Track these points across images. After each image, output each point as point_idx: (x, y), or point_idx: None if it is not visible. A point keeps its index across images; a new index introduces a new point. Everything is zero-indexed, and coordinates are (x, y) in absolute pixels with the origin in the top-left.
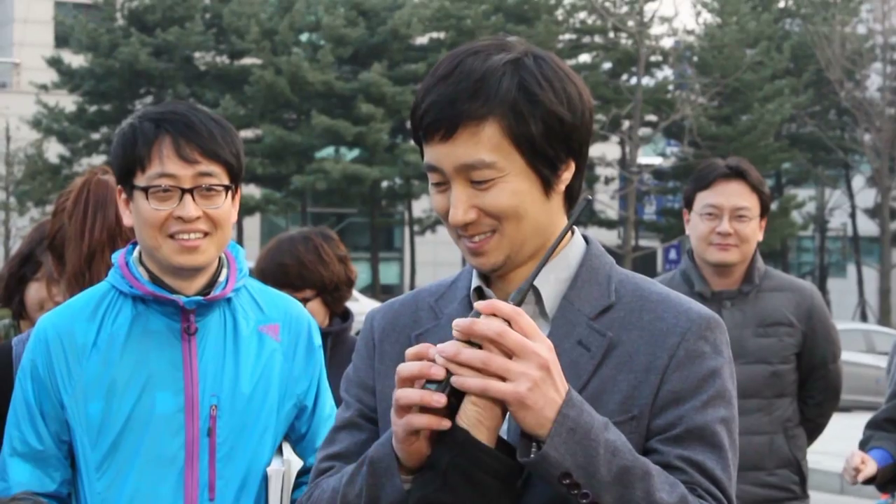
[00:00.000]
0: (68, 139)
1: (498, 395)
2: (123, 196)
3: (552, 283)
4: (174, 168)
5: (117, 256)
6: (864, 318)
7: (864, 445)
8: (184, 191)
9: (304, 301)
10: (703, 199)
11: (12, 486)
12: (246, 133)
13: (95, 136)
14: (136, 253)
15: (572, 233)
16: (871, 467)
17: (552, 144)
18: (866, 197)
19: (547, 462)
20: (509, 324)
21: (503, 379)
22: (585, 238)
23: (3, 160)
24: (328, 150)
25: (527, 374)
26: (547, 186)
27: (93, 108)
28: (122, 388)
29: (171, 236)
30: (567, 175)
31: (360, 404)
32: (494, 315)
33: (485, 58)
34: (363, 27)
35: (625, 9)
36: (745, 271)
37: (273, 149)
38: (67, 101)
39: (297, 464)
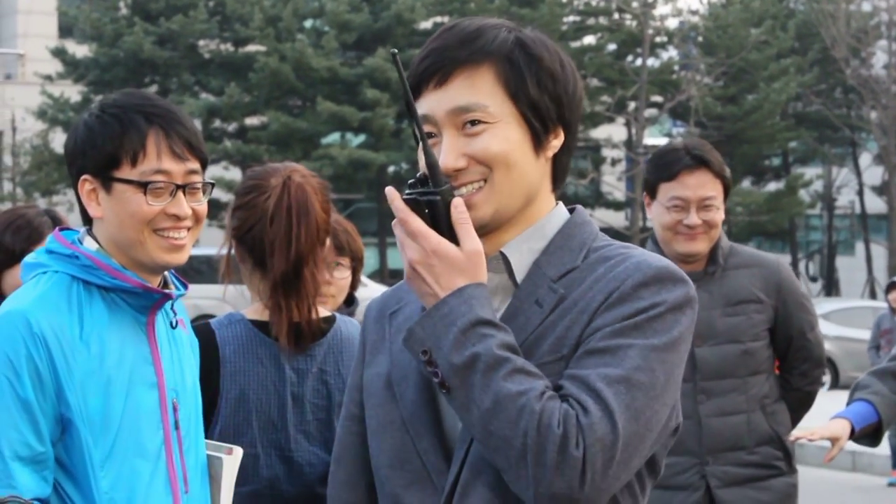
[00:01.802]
0: None
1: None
2: (89, 186)
3: (524, 252)
4: (168, 164)
5: (62, 247)
6: (873, 295)
7: (854, 392)
8: (177, 187)
9: (338, 267)
10: (668, 190)
11: (23, 494)
12: (251, 120)
13: None
14: (93, 243)
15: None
16: (824, 432)
17: (544, 99)
18: (873, 174)
19: (413, 337)
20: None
21: None
22: (572, 209)
23: (9, 151)
24: (334, 136)
25: (404, 265)
26: (537, 143)
27: (98, 98)
28: (114, 383)
29: (157, 232)
30: (556, 142)
31: (350, 406)
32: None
33: (479, 21)
34: (367, 12)
35: None
36: (710, 252)
37: (279, 135)
38: (72, 91)
39: (239, 450)
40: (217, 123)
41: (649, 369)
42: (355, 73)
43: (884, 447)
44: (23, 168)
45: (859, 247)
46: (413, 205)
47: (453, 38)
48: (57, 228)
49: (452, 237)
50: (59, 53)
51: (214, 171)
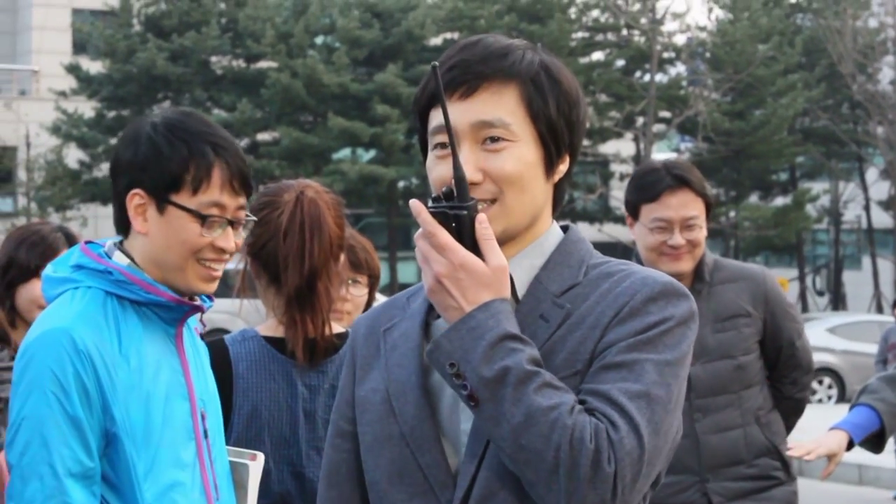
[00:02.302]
0: (87, 144)
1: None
2: (140, 201)
3: (526, 268)
4: (225, 199)
5: (93, 262)
6: (879, 309)
7: (860, 395)
8: (228, 221)
9: (356, 284)
10: (651, 211)
11: None
12: (263, 136)
13: (114, 141)
14: (123, 258)
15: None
16: (821, 449)
17: (561, 123)
18: (880, 189)
19: (439, 350)
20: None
21: None
22: (566, 228)
23: (24, 166)
24: (345, 152)
25: (426, 278)
26: (549, 167)
27: (111, 114)
28: (153, 396)
29: (200, 261)
30: (563, 167)
31: (340, 424)
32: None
33: (502, 38)
34: (378, 29)
35: (637, 6)
36: (695, 270)
37: (290, 151)
38: (86, 107)
39: (261, 456)
40: None
41: (665, 384)
42: (366, 88)
43: (890, 460)
44: (37, 183)
45: (866, 261)
46: (439, 218)
47: (481, 53)
48: (84, 242)
49: (475, 252)
50: (72, 70)
51: None
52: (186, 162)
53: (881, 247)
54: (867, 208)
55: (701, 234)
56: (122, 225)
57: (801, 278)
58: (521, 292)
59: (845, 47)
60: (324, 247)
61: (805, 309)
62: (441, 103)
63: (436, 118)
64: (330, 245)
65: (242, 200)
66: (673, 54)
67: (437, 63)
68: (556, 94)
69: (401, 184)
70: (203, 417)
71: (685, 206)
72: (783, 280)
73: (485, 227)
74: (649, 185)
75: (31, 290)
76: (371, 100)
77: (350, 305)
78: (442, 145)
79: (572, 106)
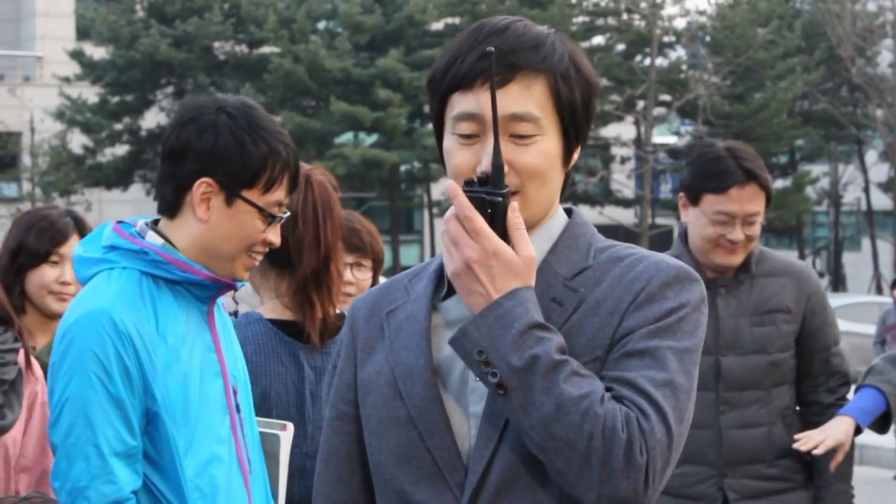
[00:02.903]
0: (91, 130)
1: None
2: (208, 189)
3: (535, 253)
4: (286, 198)
5: (128, 243)
6: (879, 290)
7: (867, 375)
8: (275, 219)
9: (360, 268)
10: (715, 203)
11: (123, 487)
12: None
13: (118, 126)
14: (156, 237)
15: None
16: (829, 441)
17: (584, 117)
18: (879, 171)
19: (467, 337)
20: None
21: None
22: (569, 212)
23: (28, 151)
24: (347, 136)
25: (454, 261)
26: (567, 158)
27: (115, 99)
28: (190, 373)
29: (248, 253)
30: (575, 156)
31: (340, 406)
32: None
33: (529, 25)
34: (379, 14)
35: None
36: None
37: (293, 135)
38: (90, 93)
39: (291, 426)
40: None
41: (686, 372)
42: (368, 73)
43: (890, 440)
44: (41, 168)
45: (865, 243)
46: (474, 203)
47: (512, 43)
48: (115, 222)
49: (504, 240)
50: (76, 56)
51: None
52: (266, 160)
53: (880, 228)
54: (866, 190)
55: (759, 227)
56: (172, 206)
57: (802, 260)
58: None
59: (844, 31)
60: (335, 228)
61: None
62: (492, 92)
63: (461, 103)
64: (339, 227)
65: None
66: (673, 38)
67: (492, 48)
68: (581, 85)
69: (403, 167)
70: (235, 392)
71: (751, 201)
72: None
73: (517, 215)
74: (718, 175)
75: (41, 276)
76: (373, 84)
77: (354, 289)
78: (465, 135)
79: (592, 96)
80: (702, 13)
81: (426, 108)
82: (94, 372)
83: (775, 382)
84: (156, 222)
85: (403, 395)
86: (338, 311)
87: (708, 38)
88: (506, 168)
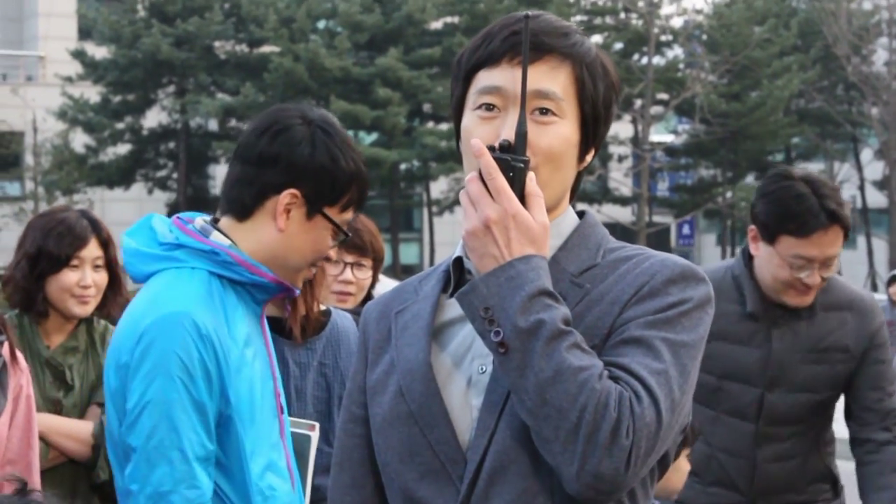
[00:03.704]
0: (94, 129)
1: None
2: (292, 201)
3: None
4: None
5: (197, 243)
6: (874, 287)
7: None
8: (346, 237)
9: (360, 267)
10: (794, 247)
11: (205, 492)
12: None
13: (120, 125)
14: (222, 237)
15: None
16: None
17: (603, 113)
18: (875, 169)
19: (475, 292)
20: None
21: None
22: (581, 214)
23: (31, 151)
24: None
25: (472, 220)
26: (582, 152)
27: (117, 99)
28: (253, 376)
29: (309, 266)
30: (588, 158)
31: (352, 408)
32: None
33: (559, 18)
34: (379, 13)
35: None
36: None
37: None
38: (92, 92)
39: (317, 425)
40: (233, 122)
41: (682, 365)
42: (367, 72)
43: None
44: (44, 167)
45: (861, 240)
46: (499, 165)
47: (544, 26)
48: (176, 217)
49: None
50: (78, 55)
51: None
52: (352, 180)
53: (876, 226)
54: (862, 188)
55: (835, 267)
56: (247, 210)
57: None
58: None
59: (840, 29)
60: None
61: None
62: (524, 57)
63: (486, 79)
64: None
65: None
66: (670, 37)
67: (528, 13)
68: (606, 83)
69: (402, 166)
70: (278, 395)
71: (832, 244)
72: None
73: (535, 184)
74: (800, 218)
75: (63, 280)
76: (373, 83)
77: (354, 287)
78: (488, 107)
79: (612, 100)
80: (699, 12)
81: (426, 107)
82: (178, 375)
83: (818, 417)
84: (213, 220)
85: (404, 391)
86: (323, 307)
87: (705, 37)
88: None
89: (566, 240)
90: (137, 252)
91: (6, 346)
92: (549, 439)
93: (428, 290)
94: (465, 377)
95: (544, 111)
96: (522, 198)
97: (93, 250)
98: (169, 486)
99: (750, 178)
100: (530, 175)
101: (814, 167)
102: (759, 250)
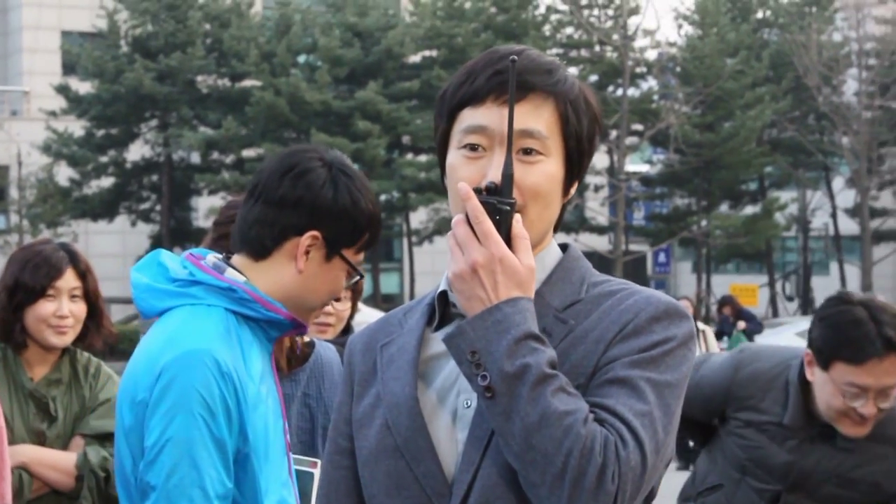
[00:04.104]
0: (77, 163)
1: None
2: (312, 243)
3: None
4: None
5: (214, 280)
6: None
7: None
8: (360, 278)
9: (339, 299)
10: (848, 374)
11: None
12: (248, 152)
13: (104, 158)
14: (237, 274)
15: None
16: None
17: (586, 148)
18: (846, 197)
19: (462, 336)
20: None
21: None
22: (564, 247)
23: (16, 184)
24: None
25: (459, 263)
26: (567, 186)
27: (100, 133)
28: (269, 413)
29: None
30: (572, 190)
31: (339, 441)
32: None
33: (542, 53)
34: (358, 48)
35: (609, 23)
36: None
37: None
38: (76, 127)
39: (318, 462)
40: (215, 155)
41: (666, 405)
42: (347, 105)
43: None
44: (29, 201)
45: (833, 267)
46: (485, 208)
47: (527, 64)
48: (189, 253)
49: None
50: (62, 90)
51: (213, 200)
52: (371, 222)
53: (848, 253)
54: (834, 216)
55: (893, 396)
56: (266, 250)
57: (771, 284)
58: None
59: (810, 60)
60: None
61: (775, 314)
62: (510, 100)
63: (470, 118)
64: None
65: None
66: (644, 69)
67: (515, 57)
68: (589, 118)
69: (382, 197)
70: (286, 433)
71: (889, 373)
72: (754, 286)
73: (521, 226)
74: (854, 343)
75: (39, 311)
76: (352, 116)
77: (333, 318)
78: (472, 147)
79: (595, 133)
80: (672, 45)
81: (405, 139)
82: (199, 412)
83: None
84: (226, 258)
85: (391, 425)
86: (307, 339)
87: (678, 69)
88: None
89: (549, 274)
90: (150, 288)
91: None
92: (535, 483)
93: (413, 324)
94: (450, 411)
95: (529, 151)
96: (509, 240)
97: (69, 281)
98: None
99: (724, 207)
100: (517, 217)
101: (787, 195)
102: (815, 376)
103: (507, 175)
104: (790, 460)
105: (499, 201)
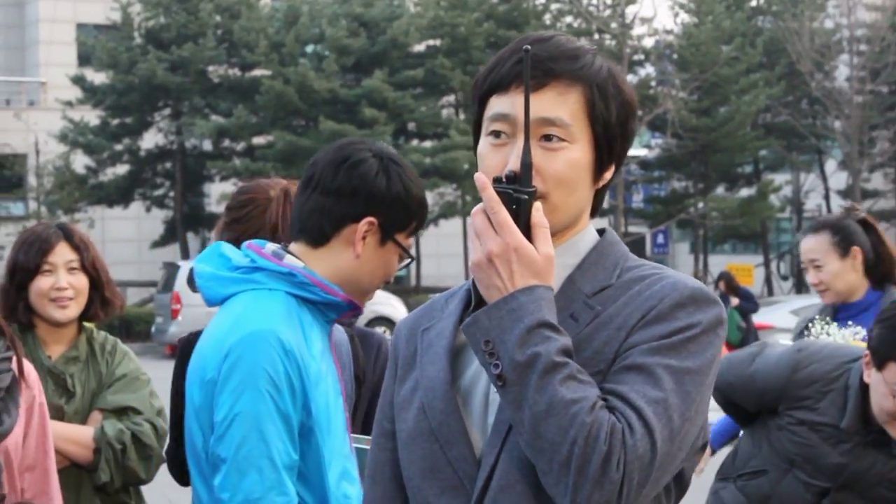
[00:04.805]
0: (93, 151)
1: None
2: (368, 229)
3: (559, 267)
4: None
5: (275, 266)
6: None
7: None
8: (411, 260)
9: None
10: None
11: (292, 499)
12: (258, 139)
13: (118, 147)
14: (296, 260)
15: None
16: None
17: (618, 133)
18: (838, 179)
19: (477, 324)
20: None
21: None
22: (602, 231)
23: (34, 172)
24: None
25: (476, 253)
26: (597, 172)
27: (115, 122)
28: (328, 390)
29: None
30: (608, 175)
31: (384, 423)
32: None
33: (572, 39)
34: (364, 37)
35: (608, 12)
36: None
37: (284, 154)
38: (91, 116)
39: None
40: (226, 143)
41: (685, 392)
42: (354, 93)
43: None
44: (46, 188)
45: None
46: (501, 198)
47: (552, 51)
48: (250, 243)
49: (527, 238)
50: (78, 81)
51: (225, 186)
52: (420, 208)
53: None
54: (826, 198)
55: None
56: (325, 237)
57: (766, 264)
58: (553, 290)
59: (803, 47)
60: None
61: (770, 293)
62: (525, 89)
63: (496, 105)
64: None
65: None
66: (642, 56)
67: (528, 46)
68: (619, 102)
69: None
70: (345, 409)
71: None
72: (749, 266)
73: (541, 214)
74: None
75: (38, 286)
76: (359, 104)
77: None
78: (496, 133)
79: (630, 116)
80: (669, 32)
81: (410, 126)
82: (266, 389)
83: None
84: (283, 247)
85: (426, 408)
86: None
87: (675, 56)
88: (533, 171)
89: (583, 258)
90: (214, 276)
91: (14, 360)
92: (544, 471)
93: (452, 309)
94: (482, 395)
95: (550, 138)
96: (529, 228)
97: (64, 254)
98: (259, 493)
99: (720, 190)
100: (536, 205)
101: (781, 178)
102: (871, 378)
103: (526, 164)
104: (843, 462)
105: (516, 190)
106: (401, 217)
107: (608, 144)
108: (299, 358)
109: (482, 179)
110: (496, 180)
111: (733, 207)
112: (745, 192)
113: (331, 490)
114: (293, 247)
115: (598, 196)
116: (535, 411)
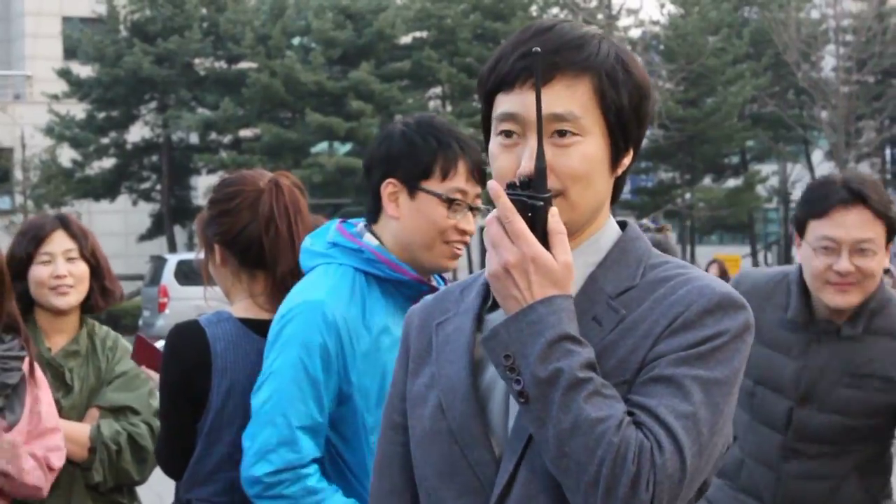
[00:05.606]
0: (79, 144)
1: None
2: (393, 189)
3: (580, 266)
4: (468, 186)
5: (347, 241)
6: None
7: None
8: (469, 207)
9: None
10: (818, 229)
11: (304, 457)
12: (245, 132)
13: (105, 140)
14: (372, 239)
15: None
16: None
17: (632, 118)
18: (825, 170)
19: (496, 339)
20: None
21: None
22: (623, 224)
23: (20, 166)
24: (322, 146)
25: (492, 263)
26: (614, 161)
27: (101, 115)
28: (389, 364)
29: (445, 242)
30: (626, 161)
31: (393, 416)
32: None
33: (575, 25)
34: (351, 29)
35: (594, 3)
36: (856, 308)
37: (271, 146)
38: (77, 109)
39: None
40: (213, 136)
41: (713, 404)
42: (341, 85)
43: None
44: (32, 182)
45: None
46: (515, 205)
47: (555, 43)
48: (339, 222)
49: (544, 244)
50: (64, 74)
51: (212, 179)
52: (436, 153)
53: None
54: None
55: (874, 261)
56: (374, 212)
57: (754, 254)
58: (574, 290)
59: (790, 38)
60: (307, 229)
61: None
62: (536, 93)
63: (503, 104)
64: (309, 227)
65: (479, 190)
66: (629, 48)
67: (538, 49)
68: (630, 87)
69: None
70: None
71: (859, 226)
72: (736, 257)
73: (557, 220)
74: (820, 198)
75: (36, 275)
76: (346, 96)
77: None
78: (507, 133)
79: (643, 98)
80: (655, 23)
81: (397, 118)
82: (300, 355)
83: (855, 440)
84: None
85: (445, 408)
86: None
87: (661, 47)
88: (547, 171)
89: (605, 256)
90: (306, 249)
91: (26, 361)
92: (570, 489)
93: (469, 303)
94: (502, 395)
95: (563, 133)
96: (545, 235)
97: (61, 243)
98: (272, 445)
99: (707, 180)
100: (552, 211)
101: (767, 168)
102: (801, 253)
103: (541, 169)
104: (798, 367)
105: (530, 196)
106: (416, 167)
107: (623, 131)
108: (343, 330)
109: (495, 188)
110: (510, 186)
111: (720, 198)
112: (732, 182)
113: (370, 447)
114: (375, 227)
115: (617, 183)
116: (560, 430)
